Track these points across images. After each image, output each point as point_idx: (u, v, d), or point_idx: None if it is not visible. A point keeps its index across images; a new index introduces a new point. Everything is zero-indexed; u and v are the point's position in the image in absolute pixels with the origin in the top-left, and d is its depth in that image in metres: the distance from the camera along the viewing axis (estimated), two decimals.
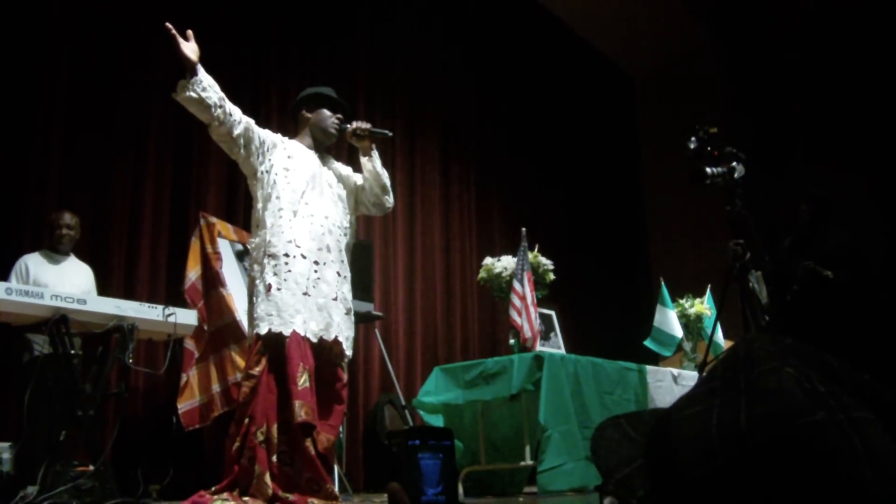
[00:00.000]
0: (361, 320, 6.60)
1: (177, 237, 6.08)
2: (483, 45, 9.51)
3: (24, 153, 5.51)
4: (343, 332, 3.69)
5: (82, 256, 5.40)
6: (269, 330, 3.46)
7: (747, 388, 1.30)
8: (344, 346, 3.70)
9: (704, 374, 1.40)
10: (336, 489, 3.52)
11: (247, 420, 3.38)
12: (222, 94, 3.53)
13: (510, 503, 4.34)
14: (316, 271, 3.61)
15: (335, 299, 3.66)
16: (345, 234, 3.84)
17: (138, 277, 5.88)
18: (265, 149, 3.75)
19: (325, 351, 3.63)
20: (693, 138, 4.72)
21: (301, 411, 3.37)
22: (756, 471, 1.22)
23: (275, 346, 3.47)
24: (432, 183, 8.60)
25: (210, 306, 5.40)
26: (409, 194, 8.27)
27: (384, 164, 3.99)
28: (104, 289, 5.40)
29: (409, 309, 7.99)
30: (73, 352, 4.39)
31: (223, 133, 3.60)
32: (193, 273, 5.49)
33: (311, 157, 3.87)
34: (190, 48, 3.42)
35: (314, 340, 3.54)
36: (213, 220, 5.66)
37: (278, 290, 3.51)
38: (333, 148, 4.31)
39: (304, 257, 3.59)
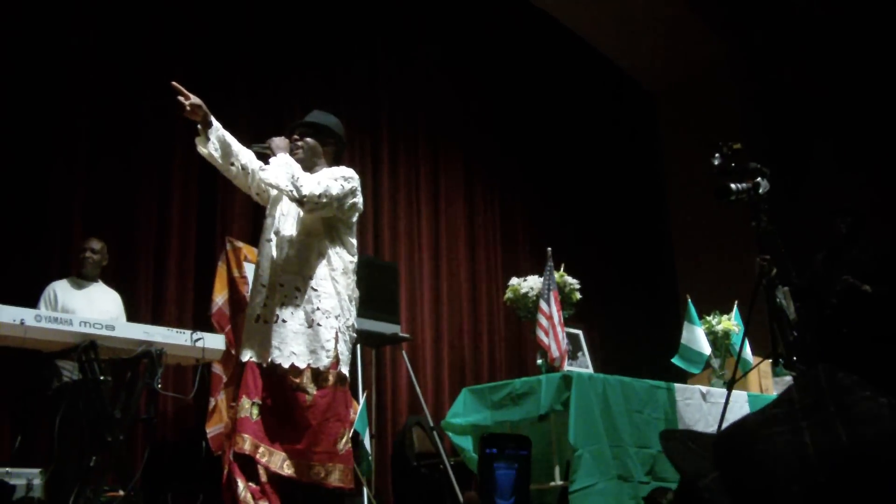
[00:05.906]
0: (388, 342, 6.62)
1: (203, 262, 6.11)
2: (505, 64, 9.52)
3: (48, 181, 5.59)
4: (288, 352, 3.45)
5: (110, 283, 5.45)
6: (239, 359, 3.55)
7: (840, 413, 1.31)
8: (285, 364, 3.43)
9: (774, 399, 1.40)
10: None
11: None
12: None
13: None
14: (268, 296, 3.55)
15: (276, 322, 3.49)
16: (294, 246, 3.59)
17: (166, 303, 5.92)
18: None
19: (276, 376, 3.46)
20: (717, 154, 4.69)
21: (241, 442, 3.33)
22: (862, 490, 1.23)
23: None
24: (457, 204, 8.60)
25: (237, 331, 5.41)
26: (433, 215, 8.28)
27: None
28: (132, 315, 5.44)
29: (435, 330, 7.98)
30: (102, 378, 4.42)
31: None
32: (220, 297, 5.51)
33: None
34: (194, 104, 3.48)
35: (264, 365, 3.47)
36: (240, 244, 5.68)
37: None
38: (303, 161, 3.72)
39: (263, 286, 3.57)
